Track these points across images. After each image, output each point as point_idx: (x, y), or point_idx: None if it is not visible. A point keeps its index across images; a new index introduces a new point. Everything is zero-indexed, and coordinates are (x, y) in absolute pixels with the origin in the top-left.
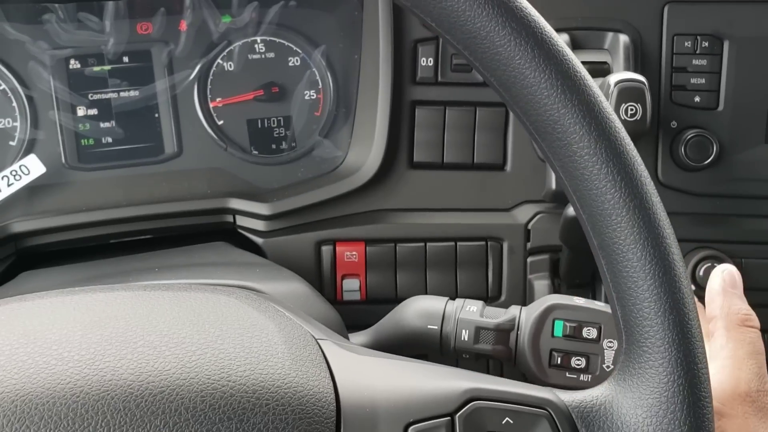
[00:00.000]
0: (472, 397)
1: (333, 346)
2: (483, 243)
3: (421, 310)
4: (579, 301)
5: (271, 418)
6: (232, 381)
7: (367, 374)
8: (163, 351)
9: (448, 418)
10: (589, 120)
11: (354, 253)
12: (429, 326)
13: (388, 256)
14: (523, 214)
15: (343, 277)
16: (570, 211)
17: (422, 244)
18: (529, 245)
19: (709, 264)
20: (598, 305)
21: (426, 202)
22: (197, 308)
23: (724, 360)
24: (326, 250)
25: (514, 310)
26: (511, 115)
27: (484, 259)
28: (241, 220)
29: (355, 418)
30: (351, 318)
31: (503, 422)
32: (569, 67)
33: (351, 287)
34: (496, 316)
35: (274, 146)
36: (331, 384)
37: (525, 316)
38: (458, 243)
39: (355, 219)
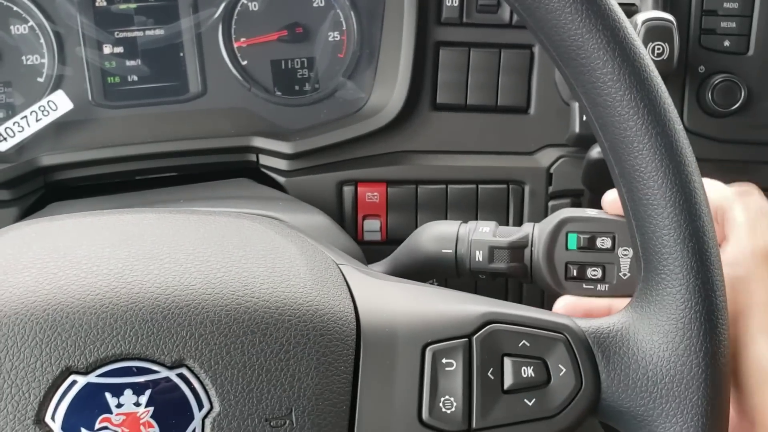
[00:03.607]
0: (489, 320)
1: (353, 270)
2: (504, 186)
3: (434, 235)
4: (591, 212)
5: (293, 333)
6: (255, 297)
7: (387, 297)
8: (188, 268)
9: (466, 339)
10: (613, 45)
11: (375, 193)
12: (443, 250)
13: (410, 197)
14: (546, 157)
15: (365, 217)
16: (593, 153)
17: (443, 186)
18: (550, 189)
19: None
20: (611, 215)
21: (448, 144)
22: (222, 230)
23: (737, 228)
24: (348, 190)
25: (527, 228)
26: (536, 57)
27: (505, 202)
28: (264, 159)
29: (374, 337)
30: (371, 258)
31: (520, 345)
32: None
33: (372, 227)
34: (509, 234)
35: (297, 87)
36: (352, 305)
37: (538, 231)
38: (480, 186)
39: (377, 160)
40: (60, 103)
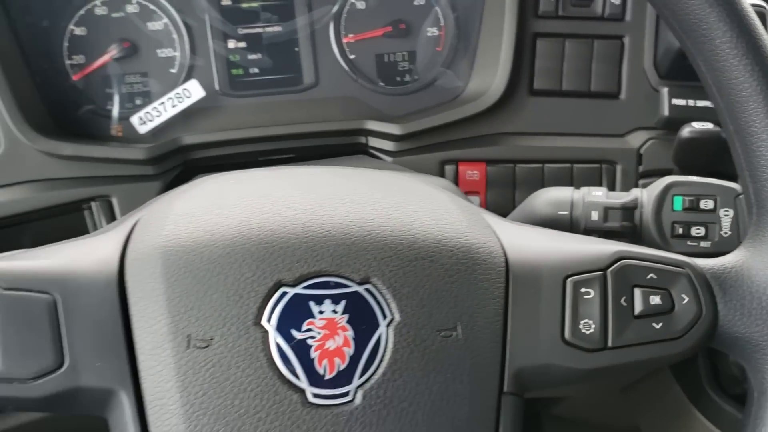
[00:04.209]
0: (621, 256)
1: (492, 216)
2: (597, 165)
3: (550, 199)
4: (694, 178)
5: (455, 261)
6: (422, 230)
7: (527, 237)
8: (366, 206)
9: (601, 272)
10: (732, 17)
11: (475, 172)
12: (559, 212)
13: (508, 175)
14: (636, 139)
15: (465, 194)
16: (684, 133)
17: (540, 165)
18: (641, 168)
19: None
20: (713, 180)
21: (544, 126)
22: (382, 180)
23: None
24: (449, 169)
25: (635, 192)
26: (627, 47)
27: (598, 180)
28: (373, 141)
29: (521, 270)
30: None
31: (647, 277)
32: None
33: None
34: (620, 197)
35: (398, 78)
36: (499, 242)
37: (646, 195)
38: (574, 165)
39: (478, 141)
40: (193, 91)
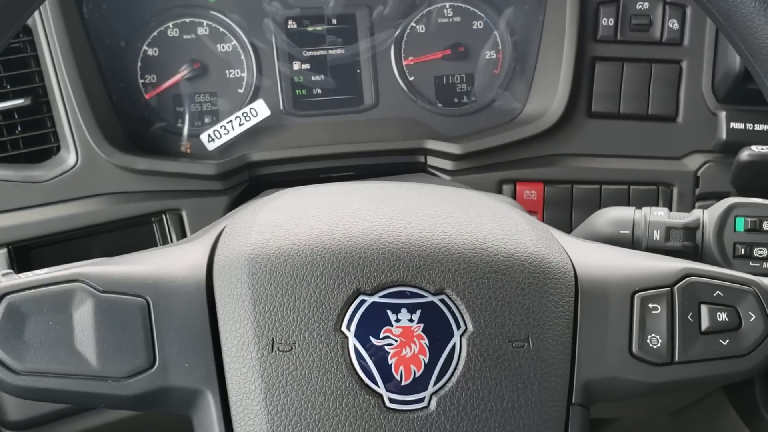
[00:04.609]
0: (687, 273)
1: (559, 233)
2: (654, 187)
3: (612, 218)
4: (757, 200)
5: (527, 275)
6: (495, 244)
7: (595, 254)
8: (439, 220)
9: (668, 288)
10: None
11: (533, 192)
12: (621, 231)
13: (565, 196)
14: (693, 162)
15: None
16: (743, 155)
17: (597, 186)
18: (697, 191)
19: None
20: None
21: (602, 148)
22: (452, 196)
23: None
24: (507, 188)
25: (697, 212)
26: (684, 71)
27: (654, 202)
28: (432, 160)
29: (589, 284)
30: None
31: (714, 294)
32: None
33: None
34: (682, 218)
35: (456, 100)
36: (568, 258)
37: (708, 216)
38: (631, 187)
39: (535, 162)
40: (260, 111)
